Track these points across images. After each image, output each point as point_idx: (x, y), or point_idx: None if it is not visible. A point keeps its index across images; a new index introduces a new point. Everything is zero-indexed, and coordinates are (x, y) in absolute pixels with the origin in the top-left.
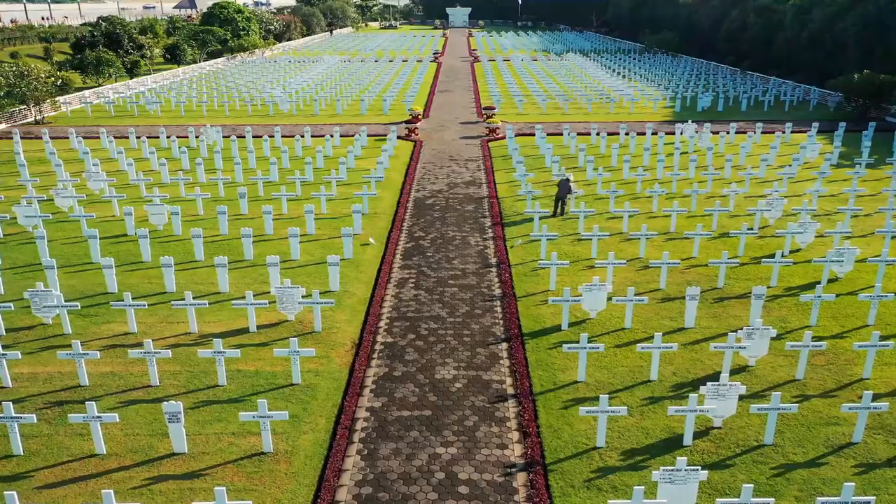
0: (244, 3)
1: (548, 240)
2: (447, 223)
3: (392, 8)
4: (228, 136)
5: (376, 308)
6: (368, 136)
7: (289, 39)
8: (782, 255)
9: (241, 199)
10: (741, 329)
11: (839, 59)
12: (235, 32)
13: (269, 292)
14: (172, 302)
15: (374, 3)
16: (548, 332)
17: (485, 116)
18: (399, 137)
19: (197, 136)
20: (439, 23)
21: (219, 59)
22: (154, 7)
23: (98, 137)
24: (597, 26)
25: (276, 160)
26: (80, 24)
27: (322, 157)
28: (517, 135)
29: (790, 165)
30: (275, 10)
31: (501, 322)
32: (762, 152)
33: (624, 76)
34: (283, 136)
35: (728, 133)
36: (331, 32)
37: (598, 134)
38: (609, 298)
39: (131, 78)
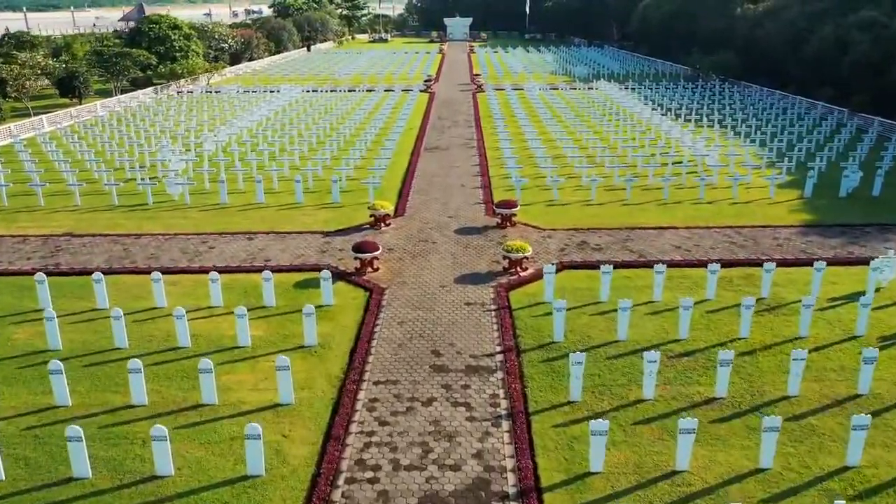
0: (233, 12)
1: None
2: None
3: (383, 18)
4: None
5: None
6: (284, 269)
7: (250, 59)
8: None
9: None
10: None
11: None
12: (169, 54)
13: None
14: None
15: (363, 12)
16: None
17: (500, 219)
18: (343, 277)
19: None
20: (436, 35)
21: (144, 91)
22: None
23: None
24: (618, 39)
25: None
26: None
27: (148, 389)
28: (563, 266)
29: None
30: (251, 21)
31: None
32: None
33: (686, 118)
34: (114, 276)
35: None
36: (308, 48)
37: (713, 272)
38: None
39: None
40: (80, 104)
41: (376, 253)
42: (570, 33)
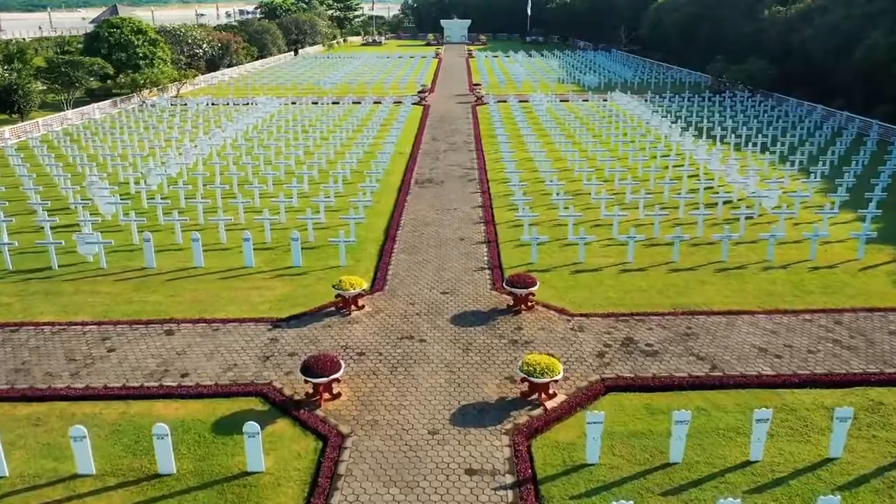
0: (226, 13)
1: None
2: None
3: (378, 19)
4: None
5: None
6: (204, 394)
7: (229, 65)
8: None
9: None
10: None
11: None
12: (132, 61)
13: None
14: None
15: (356, 13)
16: None
17: (513, 299)
18: (288, 409)
19: None
20: (433, 37)
21: (101, 104)
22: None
23: None
24: (626, 43)
25: None
26: None
27: None
28: (606, 387)
29: None
30: (236, 23)
31: None
32: None
33: (722, 139)
34: None
35: None
36: (295, 52)
37: (842, 420)
38: None
39: None
40: (22, 121)
41: (336, 375)
42: (574, 36)
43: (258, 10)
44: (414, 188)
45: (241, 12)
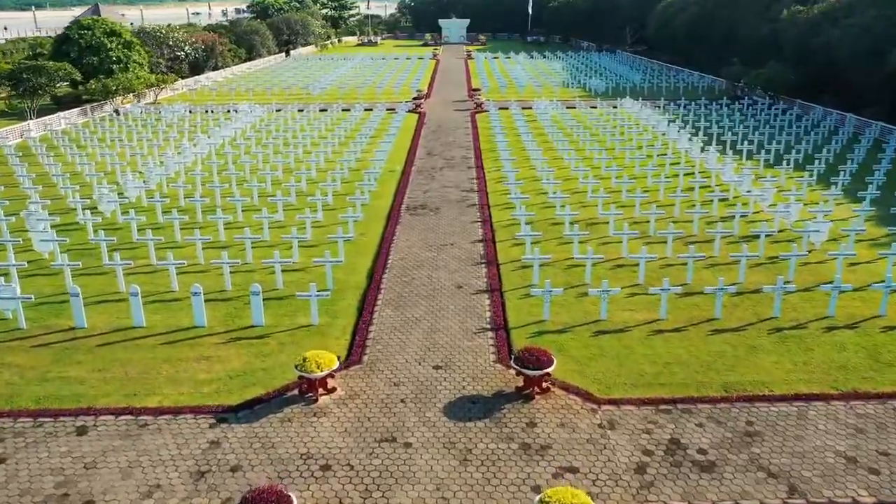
0: (224, 11)
1: None
2: None
3: (374, 19)
4: None
5: None
6: None
7: (215, 68)
8: None
9: None
10: None
11: None
12: (104, 66)
13: None
14: None
15: (351, 13)
16: None
17: (523, 381)
18: None
19: None
20: (430, 37)
21: (68, 113)
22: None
23: None
24: (631, 44)
25: None
26: None
27: None
28: None
29: None
30: (228, 22)
31: None
32: None
33: (748, 155)
34: None
35: None
36: (287, 53)
37: None
38: None
39: None
40: None
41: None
42: (576, 36)
43: (249, 10)
44: (405, 216)
45: (238, 11)
